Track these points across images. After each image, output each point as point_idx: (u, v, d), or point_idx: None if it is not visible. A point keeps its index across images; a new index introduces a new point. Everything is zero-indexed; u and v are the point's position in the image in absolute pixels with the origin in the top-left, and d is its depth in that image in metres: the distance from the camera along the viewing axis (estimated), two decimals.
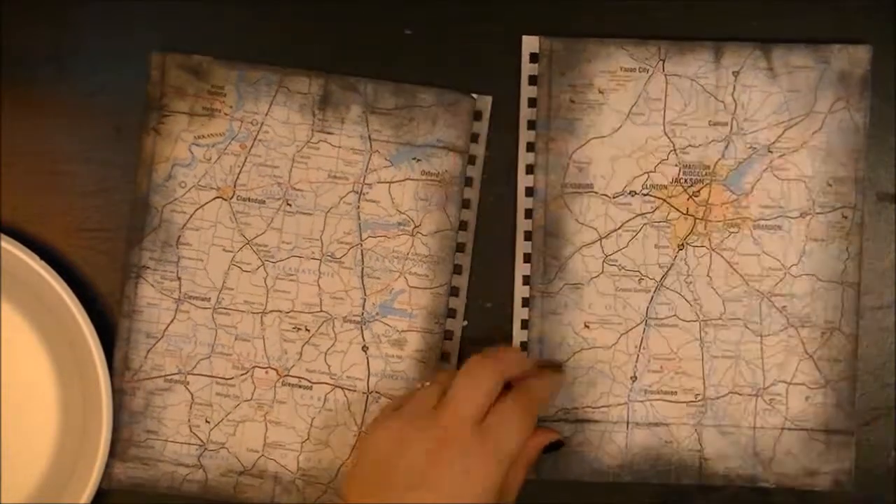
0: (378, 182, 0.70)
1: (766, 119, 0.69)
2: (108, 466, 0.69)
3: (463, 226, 0.70)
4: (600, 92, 0.69)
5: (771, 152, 0.69)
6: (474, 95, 0.70)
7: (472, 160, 0.70)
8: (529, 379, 0.66)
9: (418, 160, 0.70)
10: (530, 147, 0.70)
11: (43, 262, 0.67)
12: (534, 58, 0.70)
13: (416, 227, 0.70)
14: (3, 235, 0.67)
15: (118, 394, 0.69)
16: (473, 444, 0.61)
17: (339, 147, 0.70)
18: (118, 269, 0.70)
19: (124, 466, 0.70)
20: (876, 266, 0.70)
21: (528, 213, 0.70)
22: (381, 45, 0.70)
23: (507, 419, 0.62)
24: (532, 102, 0.70)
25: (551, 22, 0.70)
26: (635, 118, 0.69)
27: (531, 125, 0.70)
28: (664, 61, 0.69)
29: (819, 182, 0.69)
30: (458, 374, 0.63)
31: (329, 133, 0.70)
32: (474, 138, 0.70)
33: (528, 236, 0.70)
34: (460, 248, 0.70)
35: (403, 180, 0.70)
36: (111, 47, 0.70)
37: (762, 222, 0.69)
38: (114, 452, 0.69)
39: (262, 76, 0.70)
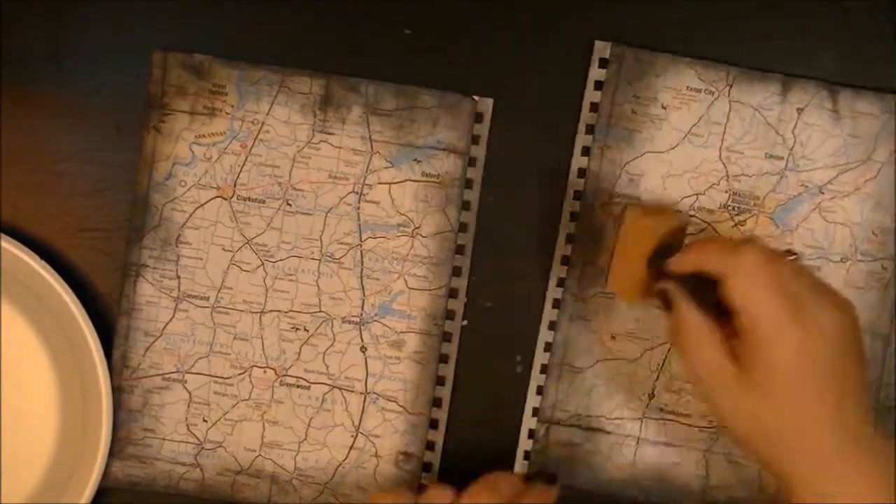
0: (378, 183, 0.70)
1: (823, 160, 0.69)
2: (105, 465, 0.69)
3: (463, 227, 0.70)
4: (663, 108, 0.69)
5: (822, 193, 0.69)
6: (475, 97, 0.69)
7: (472, 162, 0.70)
8: (526, 500, 0.66)
9: (419, 161, 0.69)
10: (585, 151, 0.70)
11: (43, 262, 0.67)
12: (603, 63, 0.69)
13: (415, 228, 0.70)
14: (3, 235, 0.68)
15: (116, 392, 0.69)
16: None
17: (340, 147, 0.70)
18: (118, 268, 0.70)
19: (122, 465, 0.70)
20: None
21: (573, 217, 0.70)
22: (382, 45, 0.70)
23: None
24: (594, 107, 0.69)
25: (553, 23, 0.70)
26: (693, 139, 0.69)
27: (589, 129, 0.69)
28: (731, 87, 0.69)
29: (864, 230, 0.69)
30: None
31: (330, 133, 0.70)
32: (475, 140, 0.70)
33: (570, 239, 0.70)
34: (460, 249, 0.70)
35: (404, 181, 0.70)
36: (111, 47, 0.70)
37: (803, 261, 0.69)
38: (111, 451, 0.69)
39: (263, 76, 0.69)
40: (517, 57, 0.70)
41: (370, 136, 0.69)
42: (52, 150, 0.70)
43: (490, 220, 0.70)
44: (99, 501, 0.69)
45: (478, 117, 0.70)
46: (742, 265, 0.56)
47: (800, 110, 0.69)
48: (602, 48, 0.69)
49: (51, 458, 0.70)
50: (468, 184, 0.70)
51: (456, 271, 0.70)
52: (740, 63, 0.69)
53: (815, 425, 0.55)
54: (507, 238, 0.70)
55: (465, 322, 0.71)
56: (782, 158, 0.69)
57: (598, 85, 0.69)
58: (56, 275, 0.67)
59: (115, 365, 0.69)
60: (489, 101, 0.70)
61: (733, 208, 0.69)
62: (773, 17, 0.70)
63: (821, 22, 0.69)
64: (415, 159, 0.70)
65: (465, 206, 0.70)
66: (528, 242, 0.70)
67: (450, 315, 0.70)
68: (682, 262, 0.60)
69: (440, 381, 0.70)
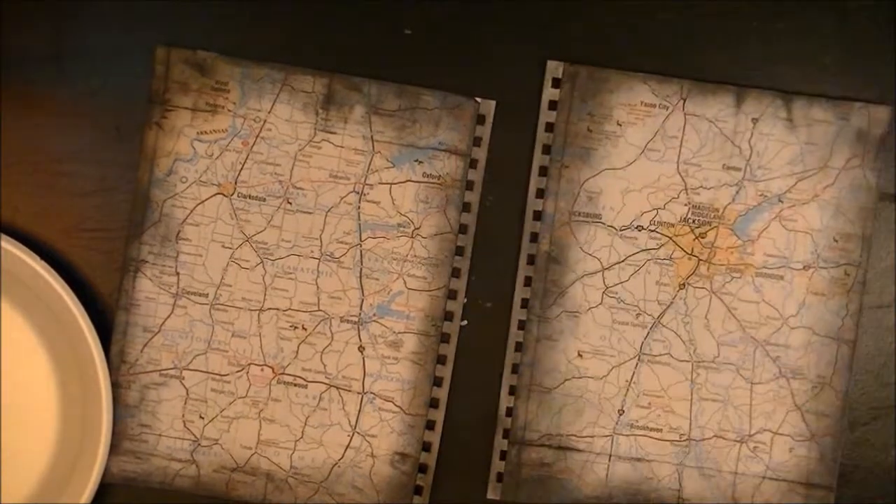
0: (379, 183, 0.70)
1: (780, 168, 0.69)
2: None
3: (462, 229, 0.70)
4: (619, 124, 0.69)
5: (781, 202, 0.69)
6: (478, 99, 0.69)
7: (473, 164, 0.70)
8: None
9: (420, 162, 0.69)
10: (542, 171, 0.70)
11: (43, 262, 0.68)
12: (556, 83, 0.69)
13: (415, 229, 0.70)
14: (3, 235, 0.68)
15: (113, 387, 0.70)
16: None
17: (342, 147, 0.69)
18: (118, 268, 0.70)
19: (117, 460, 0.71)
20: (876, 265, 0.70)
21: (534, 237, 0.70)
22: (385, 45, 0.70)
23: None
24: (549, 127, 0.69)
25: (552, 23, 0.69)
26: (650, 154, 0.69)
27: (546, 150, 0.69)
28: (685, 100, 0.69)
29: (826, 236, 0.69)
30: None
31: (332, 132, 0.69)
32: (476, 142, 0.70)
33: (532, 260, 0.70)
34: (459, 251, 0.70)
35: (404, 182, 0.69)
36: (112, 46, 0.70)
37: (765, 270, 0.69)
38: None
39: (266, 74, 0.69)
40: (519, 59, 0.69)
41: (372, 136, 0.69)
42: (52, 150, 0.70)
43: (490, 223, 0.70)
44: (95, 497, 0.70)
45: (480, 119, 0.69)
46: None
47: (755, 120, 0.69)
48: (555, 67, 0.69)
49: (51, 458, 0.70)
50: (469, 185, 0.70)
51: (455, 273, 0.70)
52: (691, 76, 0.69)
53: None
54: (507, 240, 0.70)
55: (464, 322, 0.71)
56: (740, 169, 0.69)
57: (553, 105, 0.69)
58: (56, 275, 0.68)
59: (113, 360, 0.70)
60: (491, 104, 0.69)
61: (694, 221, 0.69)
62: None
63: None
64: (416, 160, 0.69)
65: (466, 207, 0.70)
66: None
67: (448, 316, 0.70)
68: None
69: (437, 382, 0.70)
